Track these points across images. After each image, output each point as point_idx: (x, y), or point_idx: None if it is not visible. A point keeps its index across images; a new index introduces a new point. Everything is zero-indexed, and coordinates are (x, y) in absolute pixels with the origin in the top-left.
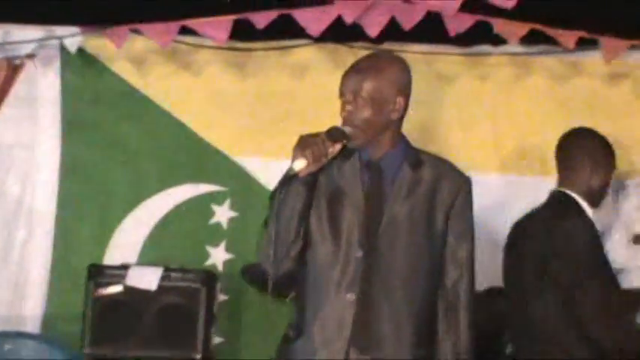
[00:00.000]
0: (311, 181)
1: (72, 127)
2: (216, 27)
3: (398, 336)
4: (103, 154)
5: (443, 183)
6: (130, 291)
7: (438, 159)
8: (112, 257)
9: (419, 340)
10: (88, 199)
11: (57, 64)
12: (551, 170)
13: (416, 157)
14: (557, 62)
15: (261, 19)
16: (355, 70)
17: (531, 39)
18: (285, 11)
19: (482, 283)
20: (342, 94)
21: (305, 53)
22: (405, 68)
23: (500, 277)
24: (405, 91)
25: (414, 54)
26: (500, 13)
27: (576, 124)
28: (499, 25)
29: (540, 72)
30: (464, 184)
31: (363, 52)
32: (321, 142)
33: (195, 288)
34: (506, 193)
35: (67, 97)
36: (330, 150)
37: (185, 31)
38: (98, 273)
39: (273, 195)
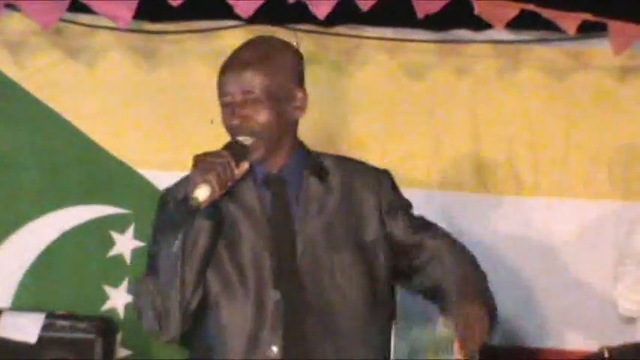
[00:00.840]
0: (216, 212)
1: None
2: (118, 3)
3: None
4: None
5: (358, 186)
6: (1, 344)
7: (342, 160)
8: None
9: None
10: None
11: None
12: (547, 188)
13: (319, 164)
14: (554, 52)
15: None
16: (240, 62)
17: (522, 23)
18: None
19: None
20: (226, 96)
21: (233, 38)
22: (297, 54)
23: None
24: (303, 82)
25: (373, 40)
26: None
27: (579, 129)
28: (481, 6)
29: (533, 64)
30: (383, 178)
31: (311, 38)
32: (226, 162)
33: (89, 339)
34: (481, 215)
35: None
36: (236, 172)
37: (76, 7)
38: None
39: (163, 230)
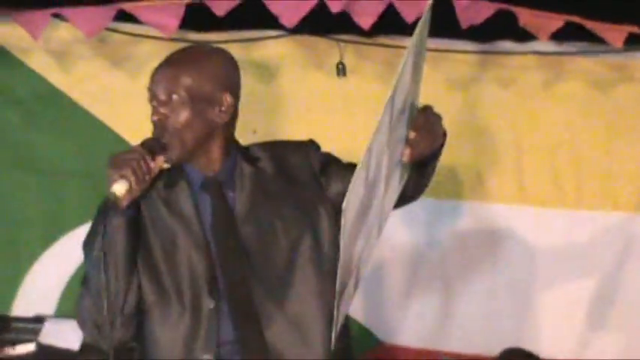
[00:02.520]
0: (133, 212)
1: None
2: (164, 13)
3: None
4: (13, 174)
5: (288, 158)
6: (45, 351)
7: (268, 143)
8: (22, 307)
9: None
10: None
11: None
12: (590, 202)
13: (248, 154)
14: (598, 64)
15: (222, 4)
16: (167, 63)
17: (566, 35)
18: None
19: None
20: (153, 96)
21: (276, 48)
22: (230, 61)
23: None
24: (233, 88)
25: None
26: (527, 1)
27: (622, 141)
28: (525, 17)
29: (577, 76)
30: (308, 145)
31: (352, 48)
32: (140, 157)
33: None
34: (537, 229)
35: None
36: (152, 165)
37: (122, 16)
38: (4, 327)
39: (89, 238)
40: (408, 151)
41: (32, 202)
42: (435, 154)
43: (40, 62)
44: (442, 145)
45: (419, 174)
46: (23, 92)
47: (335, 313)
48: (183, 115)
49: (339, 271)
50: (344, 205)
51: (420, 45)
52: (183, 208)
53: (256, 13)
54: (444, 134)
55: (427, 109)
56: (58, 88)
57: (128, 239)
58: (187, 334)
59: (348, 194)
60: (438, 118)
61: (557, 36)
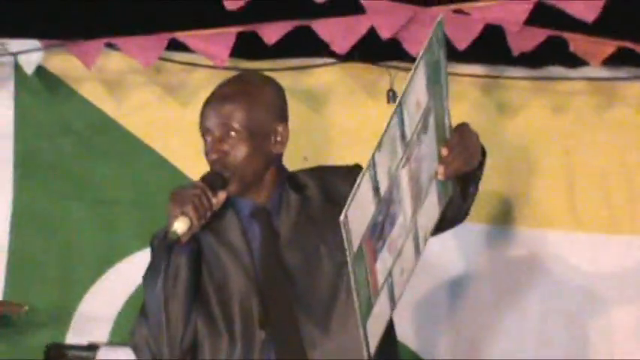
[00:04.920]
0: (193, 246)
1: (27, 166)
2: (215, 42)
3: None
4: (66, 202)
5: (334, 184)
6: None
7: (314, 169)
8: (76, 334)
9: None
10: (46, 259)
11: (10, 87)
12: None
13: (295, 181)
14: None
15: (273, 32)
16: (219, 98)
17: (618, 60)
18: (303, 23)
19: None
20: (207, 132)
21: (327, 75)
22: (280, 89)
23: None
24: (285, 118)
25: (468, 77)
26: (579, 27)
27: None
28: (577, 43)
29: (629, 102)
30: (354, 170)
31: (403, 75)
32: (202, 192)
33: None
34: (589, 255)
35: (22, 128)
36: (214, 201)
37: (174, 46)
38: (59, 354)
39: (150, 272)
40: (441, 169)
41: (86, 231)
42: (475, 174)
43: (93, 92)
44: (482, 164)
45: (460, 195)
46: (77, 122)
47: (361, 332)
48: (242, 150)
49: (354, 286)
50: (342, 218)
51: (432, 61)
52: (231, 238)
53: (306, 40)
54: (483, 153)
55: (461, 127)
56: (111, 117)
57: (190, 276)
58: None
59: (346, 208)
60: (473, 135)
61: (609, 61)
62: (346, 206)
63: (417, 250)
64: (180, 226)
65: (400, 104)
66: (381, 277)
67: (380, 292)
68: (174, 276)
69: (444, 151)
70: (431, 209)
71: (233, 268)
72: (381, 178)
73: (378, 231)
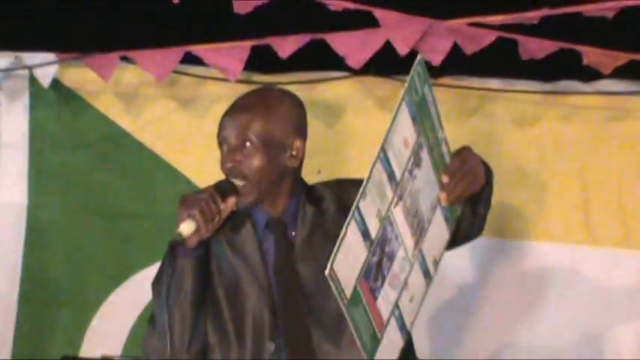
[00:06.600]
0: (201, 253)
1: (42, 179)
2: (229, 55)
3: None
4: (81, 214)
5: (350, 196)
6: None
7: (331, 182)
8: (90, 348)
9: None
10: (60, 272)
11: (25, 100)
12: None
13: (312, 194)
14: None
15: (287, 45)
16: (238, 109)
17: (631, 74)
18: (317, 36)
19: None
20: (224, 141)
21: (341, 89)
22: (299, 104)
23: None
24: (303, 132)
25: (481, 91)
26: (592, 39)
27: None
28: (590, 55)
29: None
30: None
31: None
32: (209, 197)
33: None
34: (603, 270)
35: (37, 141)
36: (223, 207)
37: (188, 59)
38: None
39: (157, 278)
40: (443, 196)
41: (100, 244)
42: (481, 194)
43: (108, 105)
44: (489, 183)
45: (470, 213)
46: (92, 135)
47: None
48: (257, 161)
49: (353, 330)
50: (327, 272)
51: (416, 101)
52: (247, 249)
53: (320, 54)
54: (488, 173)
55: (461, 152)
56: (126, 130)
57: (195, 280)
58: None
59: (331, 260)
60: (473, 157)
61: (622, 75)
62: (331, 259)
63: (427, 275)
64: (185, 228)
65: (383, 149)
66: (385, 312)
67: (387, 326)
68: (179, 282)
69: (445, 178)
70: (438, 234)
71: (246, 278)
72: (369, 223)
73: (374, 271)
